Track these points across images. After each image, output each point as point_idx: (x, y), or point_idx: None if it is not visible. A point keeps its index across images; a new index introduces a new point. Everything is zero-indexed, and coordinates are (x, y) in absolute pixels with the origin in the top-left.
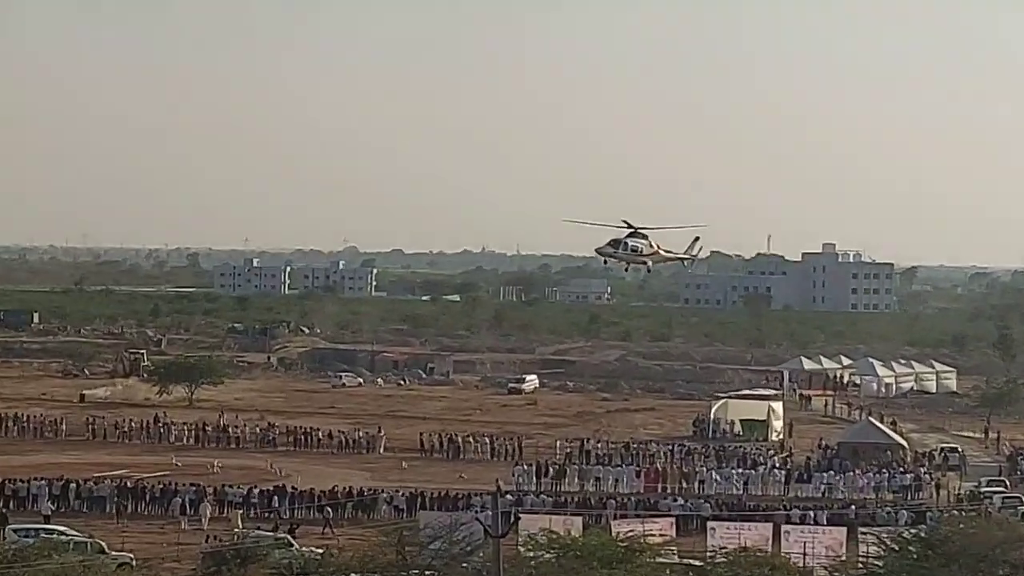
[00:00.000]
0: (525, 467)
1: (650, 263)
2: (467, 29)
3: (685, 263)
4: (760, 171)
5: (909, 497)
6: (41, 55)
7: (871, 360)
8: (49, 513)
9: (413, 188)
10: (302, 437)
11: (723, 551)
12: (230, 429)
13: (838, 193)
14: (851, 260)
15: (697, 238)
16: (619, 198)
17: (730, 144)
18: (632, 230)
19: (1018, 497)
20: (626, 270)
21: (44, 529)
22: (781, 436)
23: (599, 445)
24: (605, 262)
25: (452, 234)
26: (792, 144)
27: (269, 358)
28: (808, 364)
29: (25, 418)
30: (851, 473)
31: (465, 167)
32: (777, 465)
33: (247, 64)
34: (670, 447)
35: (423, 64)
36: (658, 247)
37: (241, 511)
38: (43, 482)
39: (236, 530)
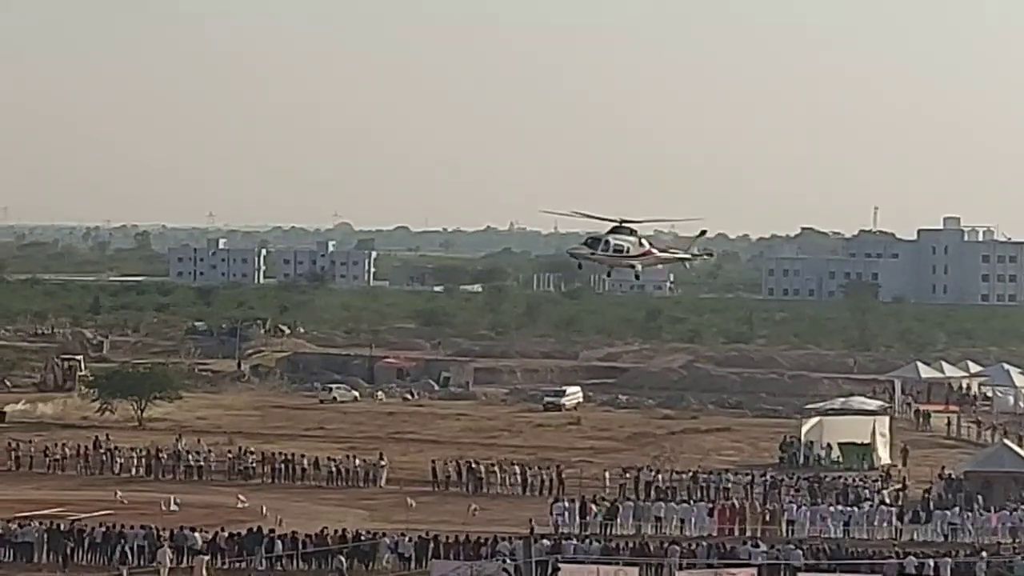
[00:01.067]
0: (566, 504)
1: (639, 266)
2: None
3: (686, 264)
4: (865, 131)
5: None
6: None
7: (1006, 367)
8: None
9: (421, 150)
10: (282, 466)
11: None
12: (190, 456)
13: (962, 156)
14: (980, 239)
15: (703, 232)
16: (687, 169)
17: (824, 103)
18: (617, 225)
19: None
20: (608, 275)
21: None
22: (891, 464)
23: (660, 476)
24: (580, 266)
25: (472, 208)
26: (903, 100)
27: (240, 366)
28: (926, 372)
29: None
30: (981, 511)
31: (485, 124)
32: (886, 501)
33: None
34: (750, 478)
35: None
36: (651, 246)
37: (207, 559)
38: None
39: None
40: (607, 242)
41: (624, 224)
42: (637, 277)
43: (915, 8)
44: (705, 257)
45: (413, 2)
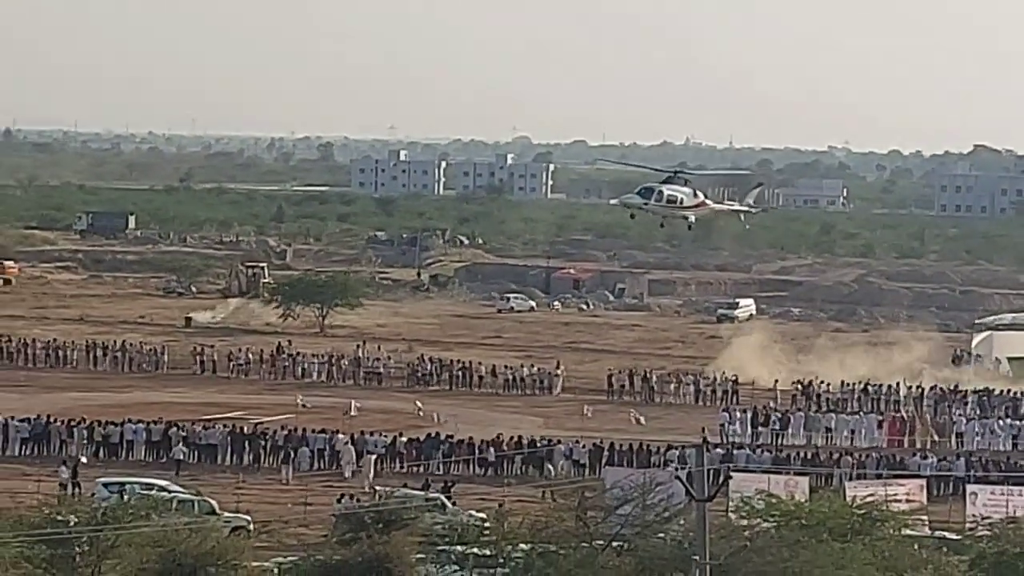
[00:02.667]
0: (738, 414)
1: (692, 217)
2: None
3: (743, 216)
4: None
5: None
6: None
7: None
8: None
9: (598, 65)
10: (459, 374)
11: (986, 522)
12: (370, 362)
13: None
14: None
15: (759, 184)
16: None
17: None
18: (671, 175)
19: None
20: (662, 226)
21: (141, 484)
22: None
23: (831, 387)
24: (632, 216)
25: (648, 122)
26: None
27: (419, 275)
28: None
29: (119, 346)
30: None
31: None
32: None
33: None
34: (921, 390)
35: None
36: (704, 198)
37: (374, 458)
38: (140, 426)
39: (368, 482)
40: (660, 192)
41: (679, 174)
42: (690, 228)
43: None
44: (760, 211)
45: None
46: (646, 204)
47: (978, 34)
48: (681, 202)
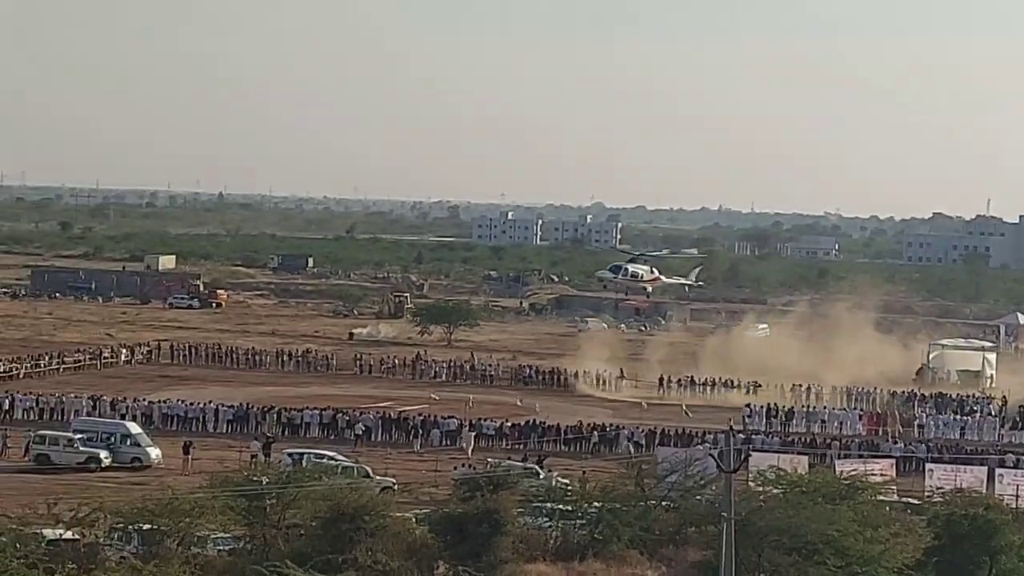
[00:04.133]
0: (756, 408)
1: (650, 288)
2: None
3: (686, 288)
4: (982, 141)
5: None
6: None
7: None
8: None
9: (653, 147)
10: (550, 377)
11: (940, 491)
12: (485, 367)
13: None
14: None
15: (698, 265)
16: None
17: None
18: (634, 256)
19: None
20: (625, 294)
21: (315, 454)
22: (995, 385)
23: (824, 389)
24: (604, 286)
25: (692, 192)
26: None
27: (521, 303)
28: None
29: (300, 353)
30: None
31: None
32: (992, 413)
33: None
34: (892, 393)
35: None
36: (659, 274)
37: (473, 434)
38: (315, 411)
39: (469, 450)
40: (626, 269)
41: (641, 255)
42: (648, 297)
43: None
44: (698, 285)
45: None
46: (615, 278)
47: (940, 132)
48: (641, 277)
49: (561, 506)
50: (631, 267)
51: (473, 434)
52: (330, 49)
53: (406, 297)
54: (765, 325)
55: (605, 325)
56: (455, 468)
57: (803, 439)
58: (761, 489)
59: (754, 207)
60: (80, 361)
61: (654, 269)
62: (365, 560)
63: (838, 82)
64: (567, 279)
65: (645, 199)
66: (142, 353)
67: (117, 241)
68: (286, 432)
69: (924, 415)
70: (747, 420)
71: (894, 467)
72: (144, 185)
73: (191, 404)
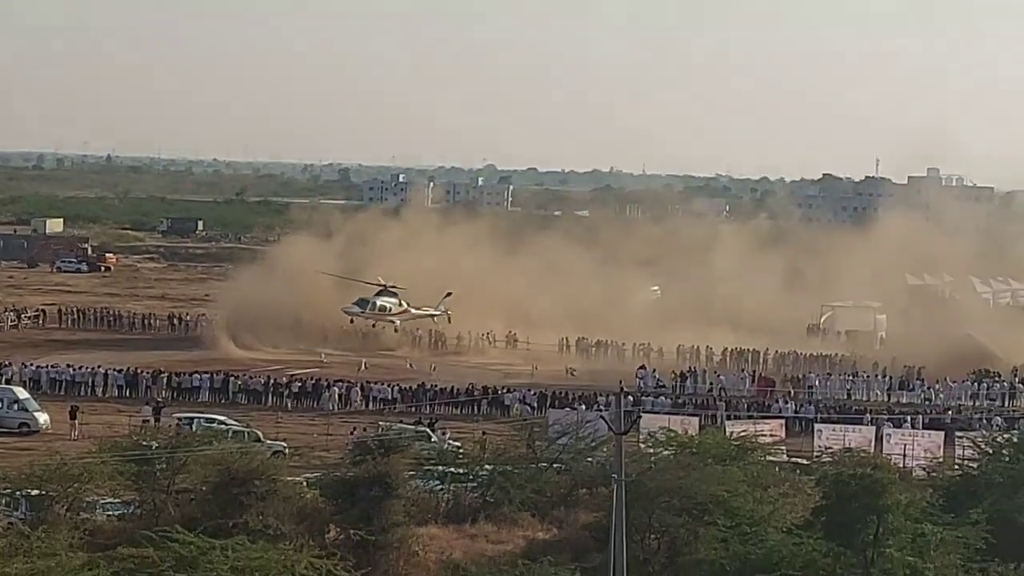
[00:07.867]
0: (648, 371)
1: (398, 321)
2: None
3: (435, 318)
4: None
5: (1004, 405)
6: None
7: (971, 277)
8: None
9: (552, 108)
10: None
11: (828, 451)
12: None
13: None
14: (953, 184)
15: (449, 293)
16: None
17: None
18: (383, 288)
19: None
20: (373, 326)
21: (205, 418)
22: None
23: (715, 352)
24: (352, 320)
25: (583, 154)
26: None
27: None
28: (912, 280)
29: (189, 317)
30: (950, 383)
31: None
32: (879, 375)
33: None
34: (781, 354)
35: None
36: (408, 305)
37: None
38: (205, 376)
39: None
40: (374, 303)
41: (389, 288)
42: (396, 331)
43: None
44: (447, 314)
45: None
46: (362, 312)
47: (826, 94)
48: (389, 310)
49: (453, 469)
50: (379, 300)
51: (338, 392)
52: (215, 7)
53: None
54: (657, 287)
55: None
56: (352, 431)
57: (694, 401)
58: (652, 451)
59: (645, 169)
60: None
61: (403, 302)
62: (256, 524)
63: (724, 43)
64: None
65: (536, 161)
66: (29, 317)
67: (4, 204)
68: (176, 396)
69: (814, 376)
70: (639, 382)
71: (784, 427)
72: (31, 147)
73: (80, 369)
